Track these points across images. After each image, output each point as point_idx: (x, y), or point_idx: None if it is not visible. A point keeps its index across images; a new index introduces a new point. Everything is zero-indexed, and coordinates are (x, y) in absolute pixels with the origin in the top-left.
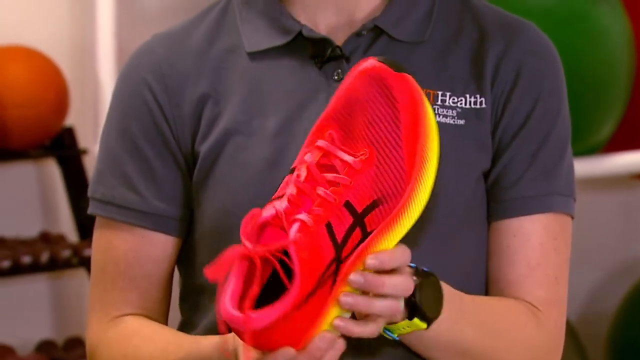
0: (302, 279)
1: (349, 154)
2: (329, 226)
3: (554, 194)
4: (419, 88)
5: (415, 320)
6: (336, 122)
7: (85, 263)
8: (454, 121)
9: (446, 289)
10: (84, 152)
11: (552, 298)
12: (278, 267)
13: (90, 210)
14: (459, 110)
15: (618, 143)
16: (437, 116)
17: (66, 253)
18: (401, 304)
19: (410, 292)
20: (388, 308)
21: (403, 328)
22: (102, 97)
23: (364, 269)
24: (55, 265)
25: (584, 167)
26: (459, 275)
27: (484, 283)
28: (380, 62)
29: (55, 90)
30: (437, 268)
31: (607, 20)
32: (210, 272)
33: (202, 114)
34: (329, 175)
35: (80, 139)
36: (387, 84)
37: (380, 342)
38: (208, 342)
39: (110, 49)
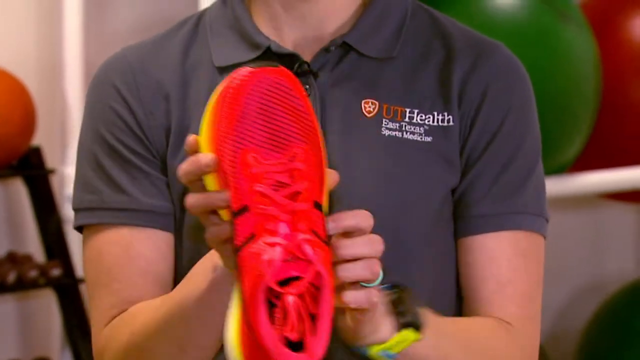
0: (333, 290)
1: (284, 163)
2: (314, 232)
3: (519, 213)
4: (291, 74)
5: (406, 331)
6: (252, 143)
7: (52, 283)
8: (421, 138)
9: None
10: (51, 172)
11: (526, 314)
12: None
13: (78, 222)
14: (426, 127)
15: (585, 162)
16: (404, 133)
17: (33, 273)
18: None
19: (381, 248)
20: (365, 267)
21: (397, 344)
22: (70, 117)
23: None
24: (22, 286)
25: (552, 186)
26: (427, 292)
27: (453, 300)
28: (260, 67)
29: (22, 110)
30: (405, 284)
31: (573, 39)
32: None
33: (171, 126)
34: (286, 191)
35: (48, 159)
36: (279, 81)
37: None
38: (194, 272)
39: (77, 69)
